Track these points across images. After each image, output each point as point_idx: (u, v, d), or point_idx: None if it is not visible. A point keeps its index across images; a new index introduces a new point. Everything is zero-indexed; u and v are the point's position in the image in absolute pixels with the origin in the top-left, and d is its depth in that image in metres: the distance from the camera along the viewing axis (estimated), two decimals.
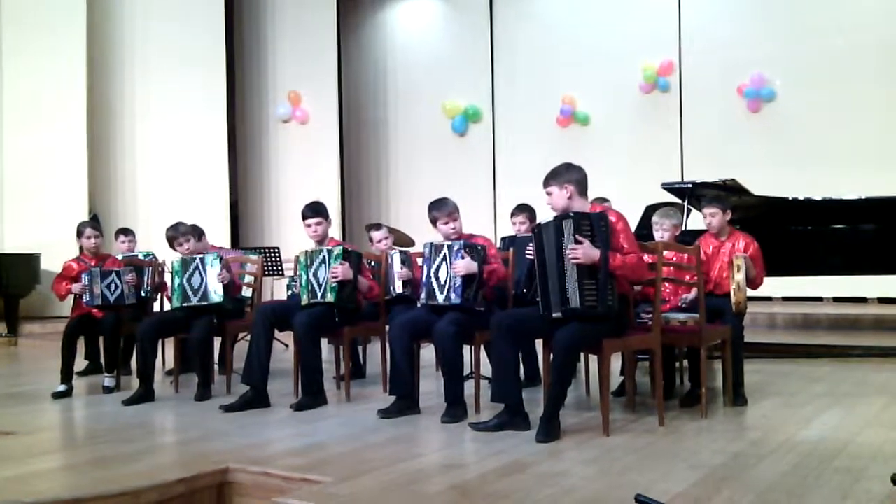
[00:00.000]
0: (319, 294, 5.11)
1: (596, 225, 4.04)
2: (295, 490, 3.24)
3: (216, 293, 5.48)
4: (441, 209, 4.91)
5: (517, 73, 13.37)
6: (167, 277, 6.45)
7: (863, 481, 3.19)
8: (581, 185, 4.24)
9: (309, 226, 5.32)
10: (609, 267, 3.99)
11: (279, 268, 8.99)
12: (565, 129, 12.87)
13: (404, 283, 5.94)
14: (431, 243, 4.87)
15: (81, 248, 6.38)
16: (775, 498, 2.99)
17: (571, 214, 4.07)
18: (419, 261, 5.91)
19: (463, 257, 4.65)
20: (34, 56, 10.87)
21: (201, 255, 5.59)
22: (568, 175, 4.23)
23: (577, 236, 3.98)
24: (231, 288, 5.65)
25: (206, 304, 5.49)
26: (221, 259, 5.59)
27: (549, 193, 4.27)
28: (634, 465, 3.50)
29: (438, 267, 4.75)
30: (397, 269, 5.93)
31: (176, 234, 5.76)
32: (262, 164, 13.59)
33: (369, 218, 13.12)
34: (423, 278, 4.83)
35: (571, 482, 3.24)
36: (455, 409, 4.54)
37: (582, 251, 3.95)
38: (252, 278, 6.17)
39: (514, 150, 13.36)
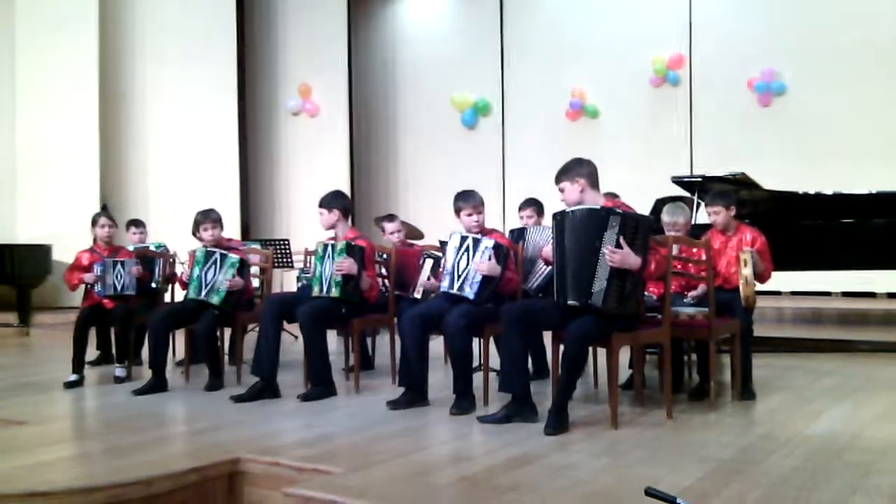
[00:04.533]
0: (325, 288, 5.15)
1: (641, 230, 4.02)
2: (305, 480, 3.27)
3: (217, 294, 5.50)
4: (467, 200, 4.91)
5: (527, 67, 13.34)
6: (177, 268, 6.50)
7: (872, 475, 3.19)
8: (592, 178, 4.23)
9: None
10: (643, 275, 4.00)
11: (289, 259, 9.02)
12: (575, 123, 12.85)
13: (424, 292, 5.87)
14: (460, 234, 4.86)
15: (95, 238, 6.41)
16: (784, 492, 3.00)
17: (620, 212, 4.02)
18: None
19: (490, 258, 4.64)
20: (47, 47, 10.90)
21: (223, 253, 5.60)
22: (579, 169, 4.22)
23: (620, 238, 3.95)
24: (240, 293, 5.64)
25: (206, 300, 5.52)
26: (243, 267, 5.60)
27: (561, 190, 4.26)
28: (643, 458, 3.51)
29: (461, 257, 4.76)
30: (424, 276, 5.75)
31: (205, 218, 5.73)
32: (272, 156, 13.62)
33: (378, 210, 13.12)
34: (448, 267, 4.83)
35: (580, 474, 3.25)
36: (463, 402, 4.56)
37: (621, 257, 3.93)
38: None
39: (523, 143, 13.35)
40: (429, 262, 5.81)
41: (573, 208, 4.18)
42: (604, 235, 3.98)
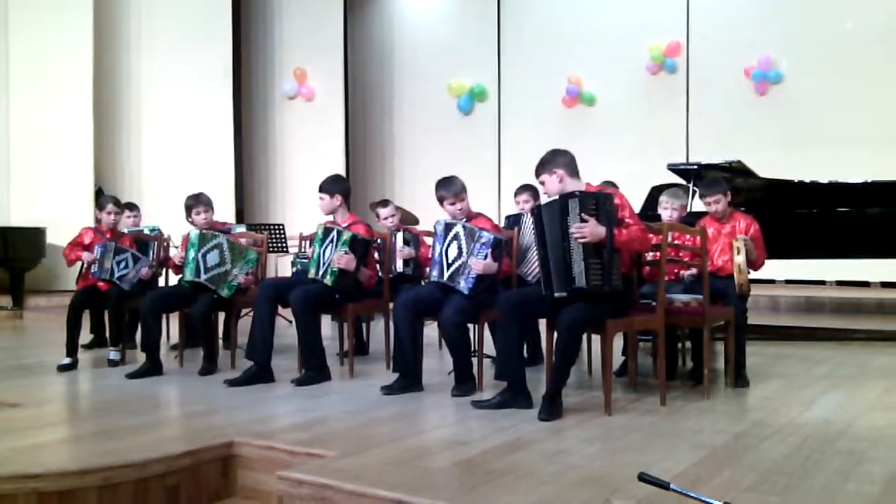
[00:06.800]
0: (321, 273, 5.14)
1: (601, 204, 4.04)
2: (299, 464, 3.27)
3: (229, 288, 5.51)
4: (448, 189, 4.84)
5: (523, 53, 13.30)
6: (171, 252, 6.48)
7: (864, 464, 3.20)
8: (570, 167, 4.27)
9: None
10: (615, 243, 3.99)
11: (283, 245, 9.00)
12: (571, 110, 12.83)
13: (405, 262, 6.02)
14: (445, 221, 4.83)
15: (98, 221, 6.39)
16: (776, 479, 3.01)
17: (577, 193, 4.07)
18: (426, 239, 5.92)
19: (487, 257, 4.55)
20: (41, 30, 10.85)
21: (233, 242, 5.58)
22: (555, 161, 4.26)
23: (582, 215, 3.98)
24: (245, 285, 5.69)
25: (212, 287, 5.50)
26: (256, 262, 5.62)
27: (542, 183, 4.33)
28: (636, 445, 3.52)
29: (449, 245, 4.71)
30: (399, 247, 6.02)
31: (196, 203, 5.71)
32: (267, 140, 13.58)
33: (374, 196, 13.09)
34: (435, 256, 4.79)
35: (574, 460, 3.26)
36: (465, 385, 4.62)
37: (588, 230, 3.95)
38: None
39: (519, 129, 13.32)
40: (399, 236, 6.09)
41: (539, 204, 4.26)
42: (568, 220, 4.02)
